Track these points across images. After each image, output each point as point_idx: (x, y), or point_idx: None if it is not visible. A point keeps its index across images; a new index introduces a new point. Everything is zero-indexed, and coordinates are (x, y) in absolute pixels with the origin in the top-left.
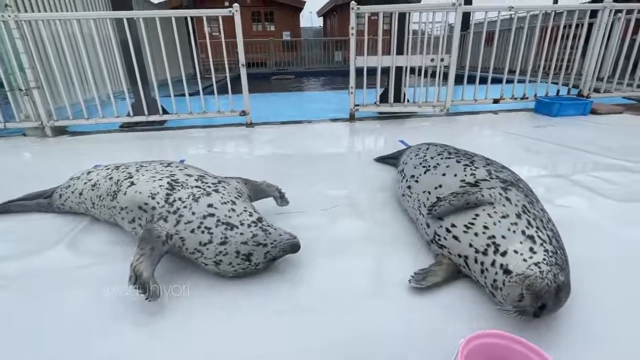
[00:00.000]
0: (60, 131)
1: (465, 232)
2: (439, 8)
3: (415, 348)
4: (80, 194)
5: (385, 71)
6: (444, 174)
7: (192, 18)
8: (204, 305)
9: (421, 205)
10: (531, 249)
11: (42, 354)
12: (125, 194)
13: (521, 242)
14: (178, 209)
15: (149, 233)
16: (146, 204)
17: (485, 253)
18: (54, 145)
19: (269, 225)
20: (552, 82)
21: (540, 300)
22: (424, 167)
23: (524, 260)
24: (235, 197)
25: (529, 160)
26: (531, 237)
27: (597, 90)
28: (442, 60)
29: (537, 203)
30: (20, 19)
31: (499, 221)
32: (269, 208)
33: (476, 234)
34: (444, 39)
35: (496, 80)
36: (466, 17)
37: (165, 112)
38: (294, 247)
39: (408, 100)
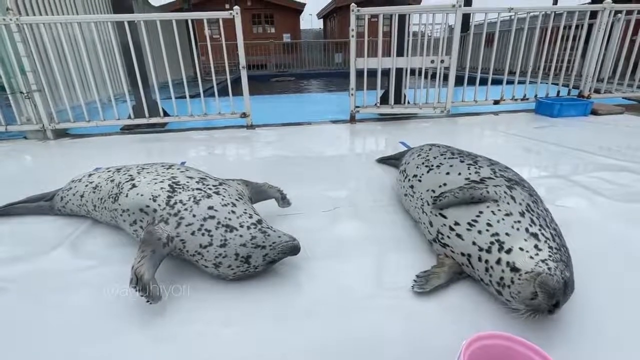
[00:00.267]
0: (61, 134)
1: (468, 229)
2: (439, 10)
3: (417, 351)
4: (82, 196)
5: (386, 73)
6: (447, 173)
7: (192, 21)
8: (203, 307)
9: (424, 204)
10: (536, 246)
11: (42, 356)
12: (126, 196)
13: (525, 240)
14: (179, 211)
15: (150, 235)
16: (147, 206)
17: (489, 251)
18: (55, 148)
19: (268, 227)
20: (552, 83)
21: (555, 298)
22: (426, 166)
23: (531, 257)
24: (236, 199)
25: (530, 161)
26: (535, 235)
27: (597, 91)
28: (442, 61)
29: (541, 203)
30: (21, 22)
31: (503, 219)
32: (271, 210)
33: (480, 232)
34: (444, 41)
35: (496, 82)
36: (466, 18)
37: (166, 114)
38: (294, 249)
39: (408, 102)
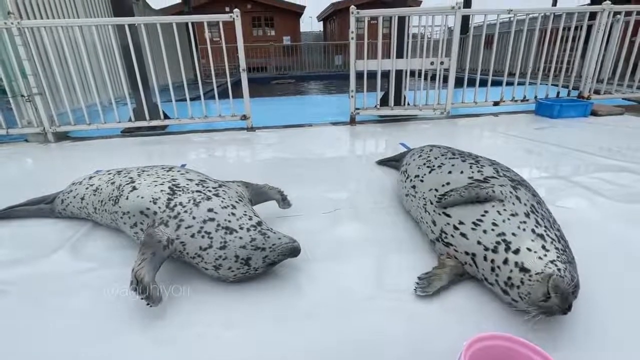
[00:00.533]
0: (62, 137)
1: (473, 229)
2: (438, 11)
3: (418, 352)
4: (82, 198)
5: (386, 75)
6: (450, 172)
7: (193, 24)
8: (203, 309)
9: (427, 203)
10: (543, 247)
11: (43, 357)
12: (127, 198)
13: (532, 240)
14: (179, 213)
15: (150, 238)
16: (148, 208)
17: (495, 250)
18: (55, 150)
19: (268, 229)
20: (552, 84)
21: (568, 301)
22: (428, 167)
23: (539, 258)
24: (236, 201)
25: (530, 162)
26: (541, 236)
27: (597, 92)
28: (441, 63)
29: (543, 204)
30: (23, 26)
31: (508, 219)
32: (271, 211)
33: (485, 231)
34: (444, 42)
35: (496, 83)
36: (465, 20)
37: (166, 117)
38: (294, 251)
39: (408, 104)
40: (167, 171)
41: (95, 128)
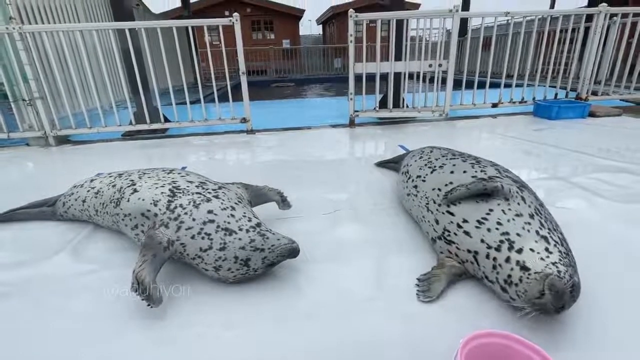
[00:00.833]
0: (63, 140)
1: (477, 227)
2: (436, 15)
3: (418, 353)
4: (84, 201)
5: (384, 77)
6: (452, 172)
7: (192, 28)
8: (203, 310)
9: (429, 202)
10: (546, 249)
11: (43, 358)
12: (128, 200)
13: (536, 242)
14: (179, 215)
15: (151, 239)
16: (149, 210)
17: (498, 249)
18: (56, 154)
19: (267, 230)
20: (550, 86)
21: (562, 300)
22: (429, 167)
23: (542, 259)
24: (235, 203)
25: (529, 163)
26: (545, 238)
27: (594, 93)
28: (440, 65)
29: (545, 207)
30: (24, 31)
31: (513, 219)
32: (271, 213)
33: (489, 230)
34: (442, 45)
35: (494, 85)
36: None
37: (167, 120)
38: (293, 251)
39: (407, 106)
40: (168, 173)
41: (96, 131)
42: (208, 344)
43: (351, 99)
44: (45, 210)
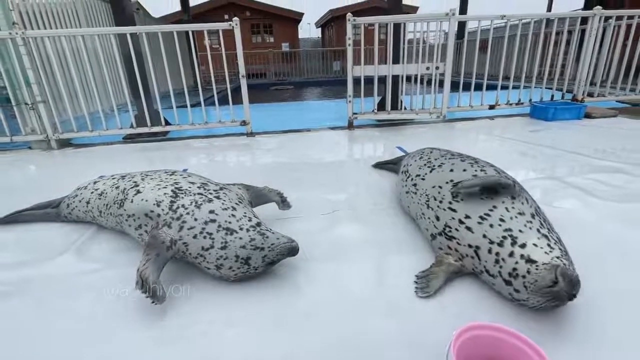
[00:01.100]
0: (65, 144)
1: (479, 223)
2: (433, 18)
3: (418, 352)
4: (88, 202)
5: (382, 80)
6: (451, 170)
7: (193, 32)
8: (205, 308)
9: (430, 199)
10: (548, 245)
11: (46, 357)
12: (131, 201)
13: (538, 238)
14: (181, 215)
15: (154, 239)
16: (152, 211)
17: (501, 244)
18: (58, 157)
19: (267, 230)
20: (546, 88)
21: (576, 287)
22: (429, 167)
23: (546, 253)
24: (236, 203)
25: (525, 164)
26: (545, 236)
27: (590, 95)
28: (437, 68)
29: (541, 209)
30: (27, 36)
31: (516, 217)
32: (271, 213)
33: (491, 226)
34: (439, 48)
35: (491, 87)
36: (461, 25)
37: (167, 123)
38: (292, 250)
39: (405, 108)
40: (170, 175)
41: (98, 135)
42: (210, 341)
43: (350, 102)
44: (49, 212)
